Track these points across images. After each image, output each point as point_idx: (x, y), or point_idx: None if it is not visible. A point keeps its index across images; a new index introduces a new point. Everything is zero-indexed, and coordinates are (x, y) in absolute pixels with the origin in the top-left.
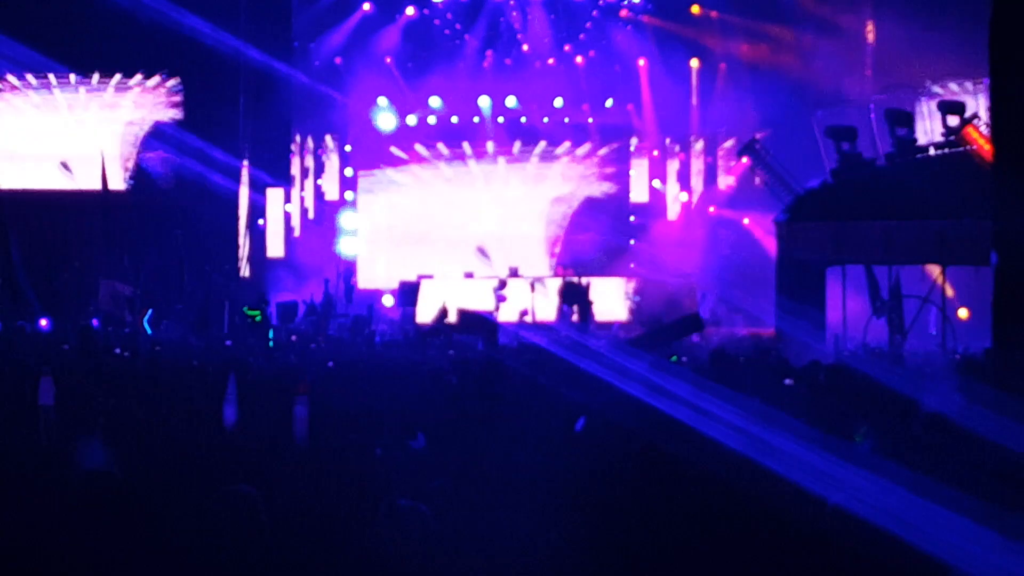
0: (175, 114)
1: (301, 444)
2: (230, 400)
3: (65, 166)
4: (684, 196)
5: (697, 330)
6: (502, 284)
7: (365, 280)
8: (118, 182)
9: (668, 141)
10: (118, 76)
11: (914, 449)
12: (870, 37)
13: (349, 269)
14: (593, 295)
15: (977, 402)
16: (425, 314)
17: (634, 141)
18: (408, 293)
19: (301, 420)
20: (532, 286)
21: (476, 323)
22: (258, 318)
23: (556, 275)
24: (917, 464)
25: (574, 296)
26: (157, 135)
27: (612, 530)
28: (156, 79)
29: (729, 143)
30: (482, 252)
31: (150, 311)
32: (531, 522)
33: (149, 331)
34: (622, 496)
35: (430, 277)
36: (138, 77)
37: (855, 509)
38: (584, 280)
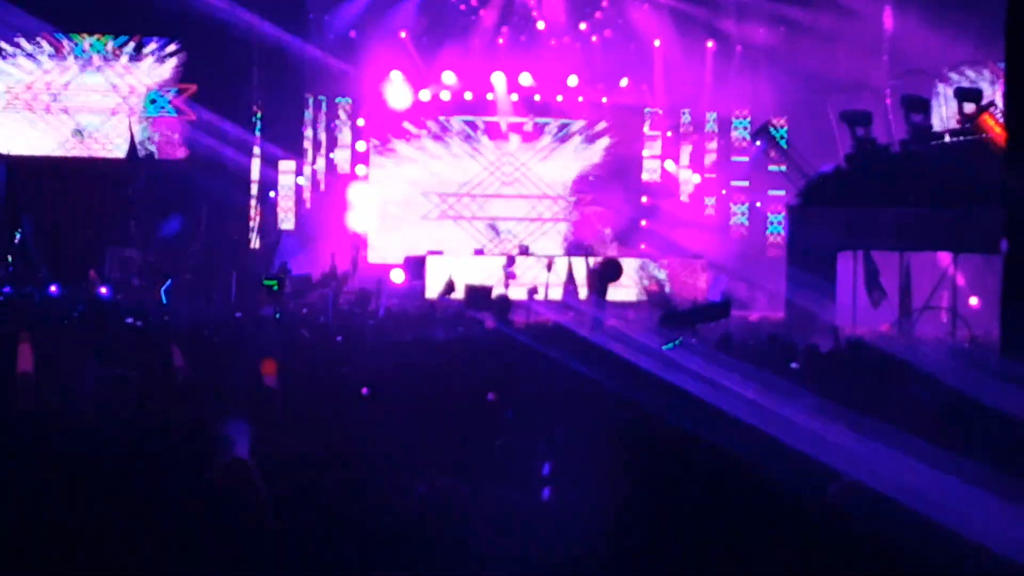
0: (188, 85)
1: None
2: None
3: (78, 132)
4: (697, 178)
5: (724, 317)
6: (511, 261)
7: (375, 255)
8: (138, 151)
9: (682, 122)
10: (131, 45)
11: (924, 420)
12: (888, 23)
13: (358, 243)
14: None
15: (987, 373)
16: (433, 289)
17: (648, 122)
18: (414, 268)
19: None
20: (549, 265)
21: (487, 299)
22: (275, 288)
23: (567, 255)
24: (927, 434)
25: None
26: (169, 105)
27: (625, 504)
28: (171, 48)
29: (744, 126)
30: (493, 228)
31: (169, 281)
32: (555, 496)
33: (165, 301)
34: (637, 474)
35: (439, 253)
36: (152, 46)
37: (866, 481)
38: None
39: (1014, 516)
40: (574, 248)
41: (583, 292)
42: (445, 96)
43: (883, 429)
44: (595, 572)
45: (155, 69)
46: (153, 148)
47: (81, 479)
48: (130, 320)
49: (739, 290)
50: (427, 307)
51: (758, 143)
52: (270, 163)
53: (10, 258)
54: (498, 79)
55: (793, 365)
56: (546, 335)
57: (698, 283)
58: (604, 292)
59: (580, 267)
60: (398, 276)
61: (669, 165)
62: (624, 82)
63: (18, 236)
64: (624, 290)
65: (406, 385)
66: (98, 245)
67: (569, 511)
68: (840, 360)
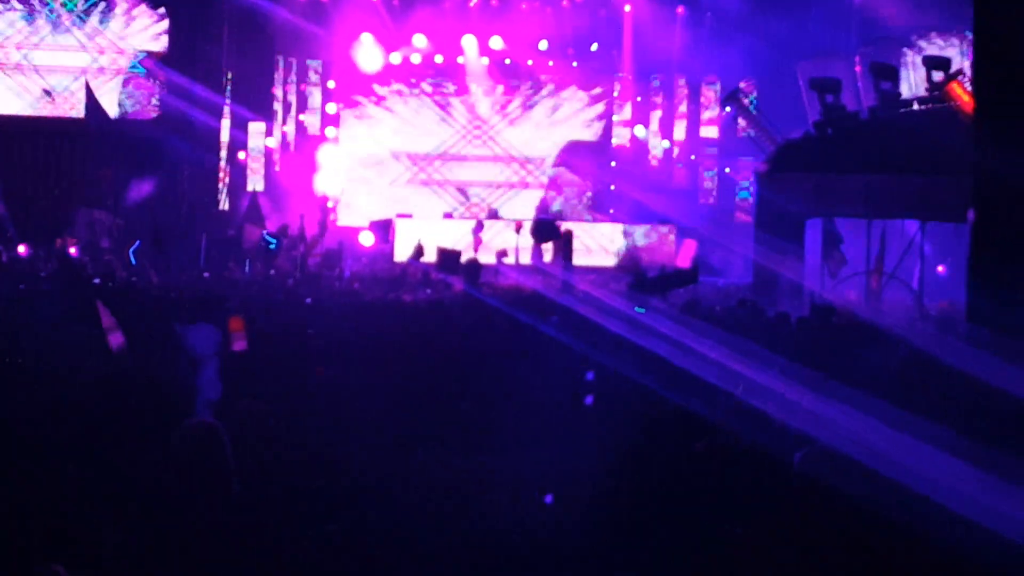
0: (158, 46)
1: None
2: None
3: (47, 93)
4: (666, 143)
5: (692, 283)
6: (480, 226)
7: (344, 217)
8: (100, 111)
9: (652, 88)
10: (102, 5)
11: (892, 384)
12: None
13: (326, 205)
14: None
15: (955, 338)
16: (402, 253)
17: (617, 87)
18: (382, 231)
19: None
20: (517, 228)
21: (457, 262)
22: (272, 246)
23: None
24: (897, 398)
25: (547, 234)
26: (139, 67)
27: (595, 469)
28: (141, 8)
29: (713, 91)
30: (462, 192)
31: (137, 242)
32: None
33: (134, 262)
34: (604, 434)
35: (408, 216)
36: (122, 6)
37: (836, 444)
38: (560, 222)
39: (982, 480)
40: (542, 212)
41: (548, 256)
42: (416, 59)
43: (852, 393)
44: (562, 536)
45: (126, 30)
46: (128, 106)
47: (45, 437)
48: (97, 281)
49: (711, 256)
50: (397, 270)
51: (728, 109)
52: (240, 125)
53: None
54: (469, 42)
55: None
56: (514, 298)
57: (667, 249)
58: (569, 255)
59: (543, 225)
60: (367, 239)
61: (639, 130)
62: (594, 47)
63: None
64: (594, 255)
65: (372, 349)
66: (67, 206)
67: (538, 476)
68: (811, 325)
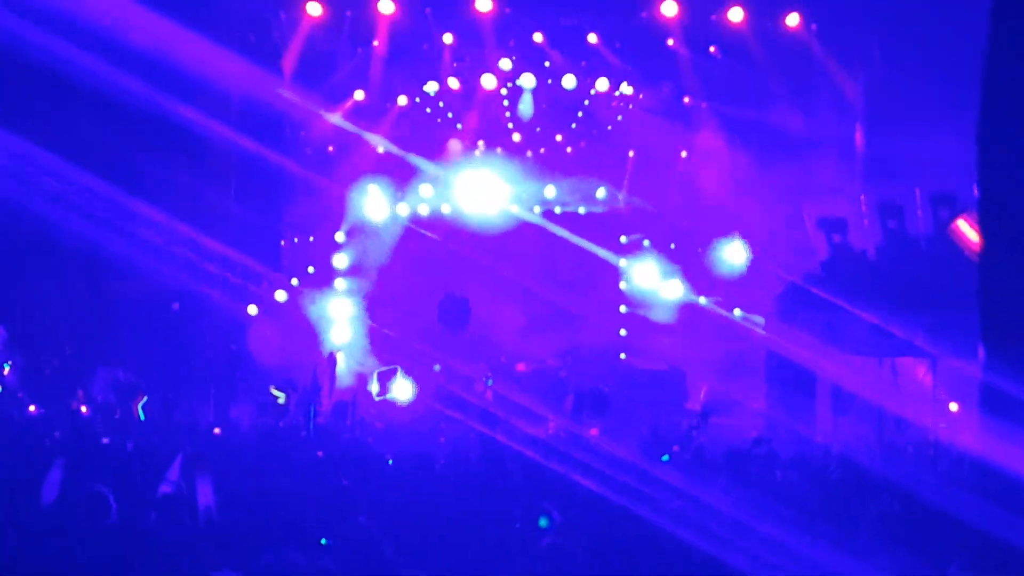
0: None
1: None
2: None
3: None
4: (676, 287)
5: (703, 426)
6: (489, 374)
7: (353, 368)
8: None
9: (660, 232)
10: None
11: (913, 537)
12: (861, 131)
13: (333, 358)
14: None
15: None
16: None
17: (624, 238)
18: (388, 381)
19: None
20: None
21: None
22: (281, 400)
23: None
24: (906, 549)
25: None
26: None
27: None
28: None
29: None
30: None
31: (146, 397)
32: None
33: (143, 418)
34: None
35: None
36: None
37: None
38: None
39: None
40: (553, 361)
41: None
42: (423, 211)
43: (861, 543)
44: None
45: None
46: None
47: None
48: (107, 440)
49: (720, 398)
50: (407, 417)
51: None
52: (248, 278)
53: None
54: (474, 193)
55: (777, 474)
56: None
57: None
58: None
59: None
60: (375, 389)
61: (647, 272)
62: (601, 193)
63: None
64: None
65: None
66: (84, 363)
67: None
68: (820, 473)
